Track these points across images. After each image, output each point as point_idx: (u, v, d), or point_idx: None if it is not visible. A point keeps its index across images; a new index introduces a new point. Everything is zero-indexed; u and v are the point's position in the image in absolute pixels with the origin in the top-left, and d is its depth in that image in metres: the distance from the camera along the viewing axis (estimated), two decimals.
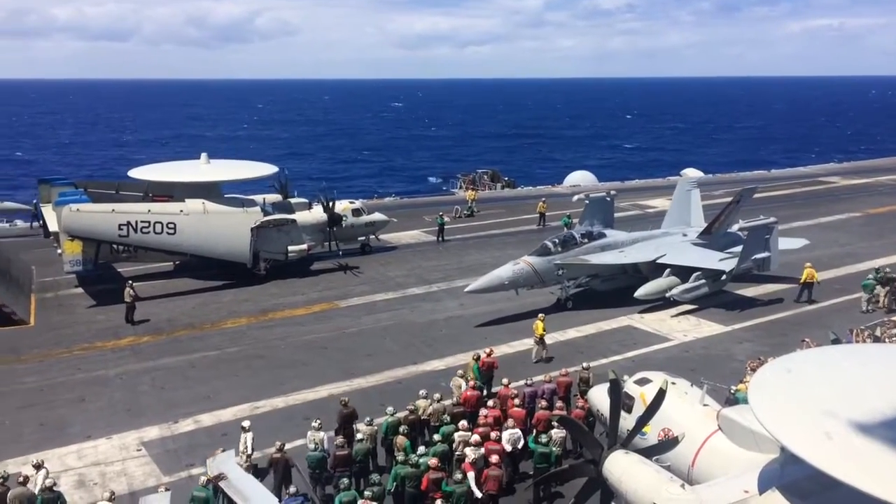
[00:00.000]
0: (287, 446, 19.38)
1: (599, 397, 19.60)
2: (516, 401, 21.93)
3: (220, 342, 31.51)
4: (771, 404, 12.68)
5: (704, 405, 17.15)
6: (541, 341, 29.02)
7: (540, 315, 29.75)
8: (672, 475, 14.73)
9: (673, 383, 17.48)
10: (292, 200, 44.74)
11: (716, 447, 15.82)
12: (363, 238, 46.45)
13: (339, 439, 19.78)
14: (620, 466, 15.17)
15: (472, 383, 23.38)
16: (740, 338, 31.77)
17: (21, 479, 17.58)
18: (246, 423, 20.45)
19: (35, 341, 31.50)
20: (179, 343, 31.46)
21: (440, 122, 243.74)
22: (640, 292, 34.43)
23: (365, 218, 45.84)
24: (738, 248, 35.51)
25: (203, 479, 17.38)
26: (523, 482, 20.53)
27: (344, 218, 44.18)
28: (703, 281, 34.88)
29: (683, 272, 35.07)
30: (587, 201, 38.73)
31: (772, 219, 35.58)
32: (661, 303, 34.59)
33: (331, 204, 43.60)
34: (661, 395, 16.11)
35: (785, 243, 37.96)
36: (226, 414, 24.54)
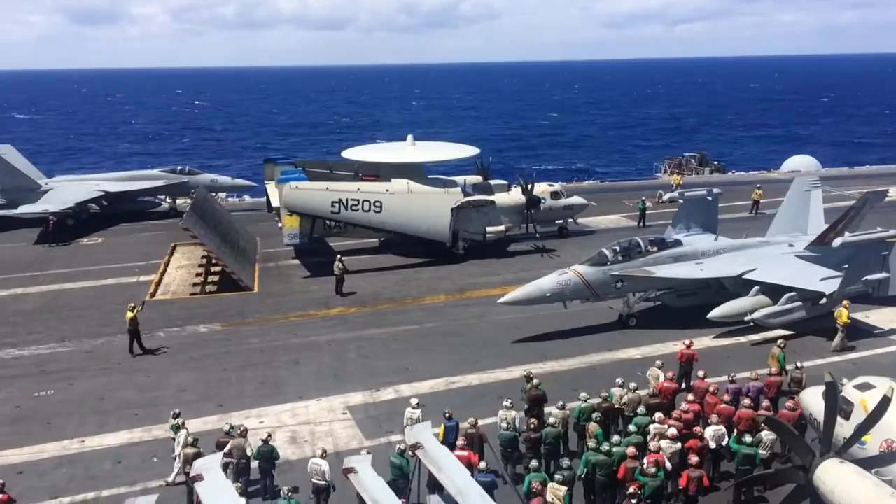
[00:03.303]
0: (479, 423, 19.78)
1: (813, 400, 18.26)
2: (726, 397, 20.90)
3: (419, 317, 32.82)
4: None
5: None
6: (844, 329, 27.69)
7: (845, 302, 28.07)
8: (894, 491, 13.40)
9: None
10: (492, 182, 45.48)
11: None
12: (561, 221, 46.28)
13: (533, 421, 19.91)
14: (834, 476, 14.08)
15: (670, 374, 22.58)
16: None
17: (240, 431, 19.42)
18: (414, 401, 20.88)
19: (258, 306, 34.57)
20: (382, 316, 33.14)
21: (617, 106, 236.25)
22: (716, 313, 29.24)
23: (563, 201, 45.64)
24: None
25: (399, 446, 18.24)
26: (724, 482, 19.56)
27: (542, 200, 44.24)
28: (798, 304, 29.39)
29: (776, 291, 29.67)
30: (681, 201, 34.04)
31: (891, 231, 29.32)
32: (740, 327, 29.40)
33: (530, 186, 43.80)
34: (885, 402, 14.76)
35: None
36: (423, 386, 25.58)
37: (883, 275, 28.87)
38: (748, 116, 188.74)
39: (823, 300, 29.45)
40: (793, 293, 29.54)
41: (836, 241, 29.12)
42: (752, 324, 29.18)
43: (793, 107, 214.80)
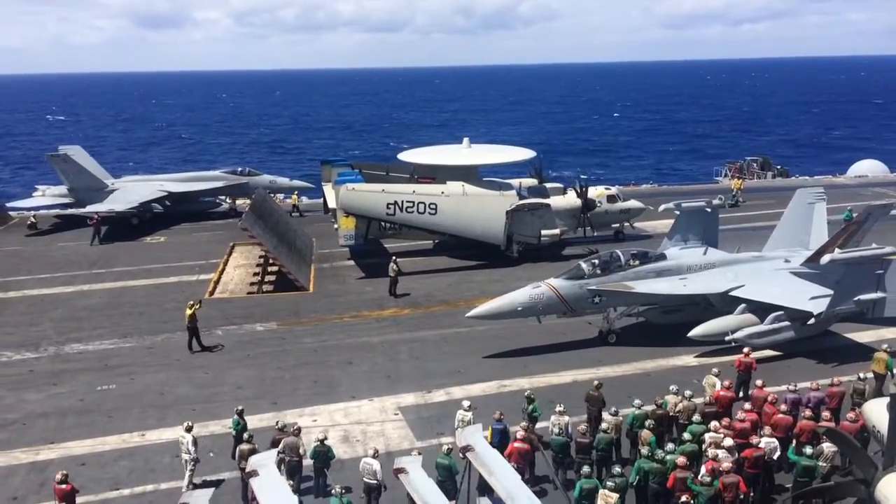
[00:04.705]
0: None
1: (876, 412, 17.62)
2: (782, 407, 20.34)
3: (471, 320, 32.67)
4: None
5: None
6: None
7: None
8: None
9: None
10: (547, 185, 45.27)
11: None
12: (617, 225, 45.80)
13: (583, 426, 19.74)
14: None
15: (727, 383, 22.05)
16: None
17: (293, 429, 19.71)
18: (466, 403, 20.86)
19: (312, 306, 35.05)
20: (435, 318, 33.27)
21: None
22: (697, 332, 27.70)
23: (620, 205, 45.22)
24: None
25: (445, 447, 18.28)
26: (779, 494, 19.06)
27: (598, 204, 43.87)
28: (785, 323, 27.58)
29: (764, 310, 27.96)
30: (677, 212, 32.31)
31: (888, 248, 27.14)
32: (723, 346, 27.43)
33: (585, 190, 43.45)
34: None
35: None
36: (475, 389, 25.59)
37: (877, 295, 27.08)
38: (785, 119, 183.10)
39: (812, 320, 27.64)
40: (780, 312, 27.86)
41: (825, 258, 27.21)
42: (732, 344, 27.20)
43: (836, 109, 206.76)
